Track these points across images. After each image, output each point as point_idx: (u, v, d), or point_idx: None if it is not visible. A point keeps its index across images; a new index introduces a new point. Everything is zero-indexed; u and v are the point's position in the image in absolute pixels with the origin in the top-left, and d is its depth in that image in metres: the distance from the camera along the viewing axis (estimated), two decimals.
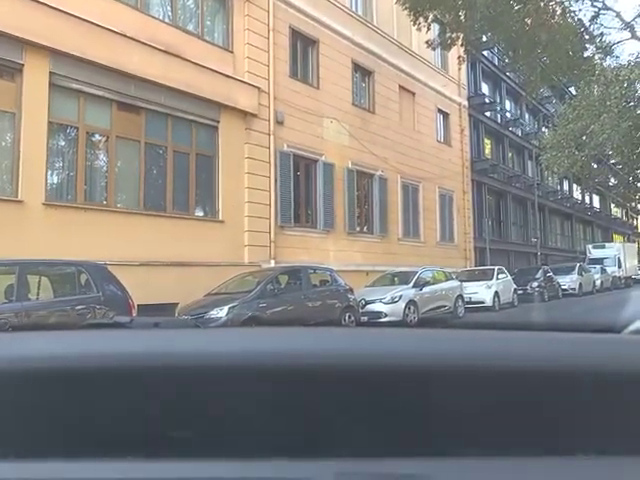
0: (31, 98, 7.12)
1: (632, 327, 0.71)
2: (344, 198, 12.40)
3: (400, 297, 9.09)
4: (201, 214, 9.65)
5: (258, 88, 10.31)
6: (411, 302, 9.32)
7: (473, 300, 11.78)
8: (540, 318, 10.34)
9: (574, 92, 20.56)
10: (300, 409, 0.56)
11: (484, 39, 15.60)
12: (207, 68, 9.32)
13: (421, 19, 11.26)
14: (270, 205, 10.51)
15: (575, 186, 28.38)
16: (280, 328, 0.71)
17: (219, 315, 6.18)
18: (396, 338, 0.63)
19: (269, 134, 10.60)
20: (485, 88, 21.22)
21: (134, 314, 5.06)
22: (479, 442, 0.55)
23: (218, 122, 9.73)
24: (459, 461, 0.53)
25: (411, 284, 9.74)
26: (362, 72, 13.70)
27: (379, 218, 13.49)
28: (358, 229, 12.90)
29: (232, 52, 10.12)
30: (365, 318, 8.47)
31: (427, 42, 12.55)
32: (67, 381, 0.55)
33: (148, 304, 7.15)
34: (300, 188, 11.52)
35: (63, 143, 7.79)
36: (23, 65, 7.09)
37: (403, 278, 10.19)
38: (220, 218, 9.67)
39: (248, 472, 0.52)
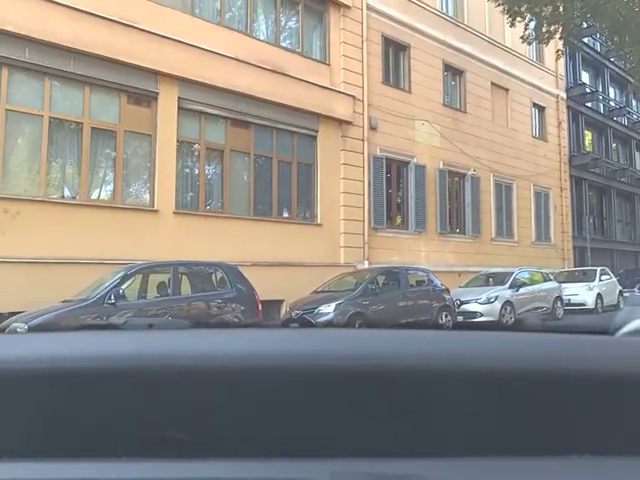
0: (164, 121, 8.28)
1: (626, 329, 0.72)
2: (435, 199, 12.59)
3: (496, 298, 9.19)
4: (302, 218, 10.41)
5: (353, 97, 10.87)
6: (507, 303, 9.37)
7: (573, 302, 11.44)
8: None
9: None
10: (296, 409, 0.56)
11: (584, 25, 14.83)
12: (307, 82, 10.05)
13: (518, 18, 11.10)
14: (364, 208, 11.03)
15: None
16: (276, 330, 0.73)
17: (327, 310, 6.83)
18: (395, 339, 0.63)
19: (363, 140, 11.12)
20: (585, 77, 20.01)
21: (260, 308, 5.83)
22: (474, 443, 0.55)
23: (317, 132, 10.43)
24: (455, 461, 0.53)
25: (507, 285, 9.76)
26: (453, 72, 13.74)
27: (471, 218, 13.47)
28: (450, 229, 13.01)
29: (329, 65, 10.78)
30: (460, 318, 8.70)
31: (522, 38, 12.28)
32: (61, 382, 0.56)
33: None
34: (392, 190, 11.92)
35: (188, 159, 8.92)
36: (158, 93, 8.26)
37: (498, 279, 10.22)
38: (318, 221, 10.38)
39: (243, 472, 0.52)
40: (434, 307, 8.14)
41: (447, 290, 8.63)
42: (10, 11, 6.84)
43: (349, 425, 0.55)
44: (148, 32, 8.00)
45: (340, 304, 6.92)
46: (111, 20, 7.65)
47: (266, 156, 9.86)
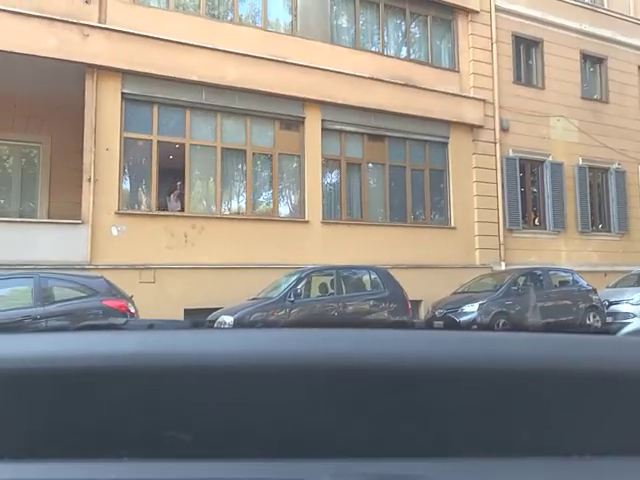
0: (310, 142, 9.36)
1: (627, 329, 0.72)
2: (575, 196, 12.07)
3: None
4: (436, 222, 10.81)
5: (483, 100, 10.99)
6: None
7: None
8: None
9: None
10: (296, 409, 0.56)
11: None
12: (436, 91, 10.45)
13: None
14: (498, 210, 11.05)
15: None
16: (278, 330, 0.74)
17: (471, 309, 7.24)
18: (394, 339, 0.63)
19: (495, 142, 11.16)
20: None
21: (410, 307, 6.46)
22: (475, 443, 0.55)
23: (447, 138, 10.77)
24: (455, 461, 0.53)
25: None
26: (592, 61, 13.01)
27: (617, 214, 12.62)
28: (592, 227, 12.35)
29: (458, 71, 11.05)
30: (610, 319, 8.41)
31: None
32: (62, 382, 0.56)
33: None
34: (527, 191, 11.73)
35: (331, 173, 9.92)
36: (304, 118, 9.37)
37: None
38: (452, 225, 10.69)
39: (243, 472, 0.53)
40: (580, 308, 8.02)
41: (594, 290, 8.41)
42: (194, 63, 8.40)
43: (349, 425, 0.55)
44: (296, 65, 9.13)
45: (483, 304, 7.26)
46: (266, 59, 8.91)
47: (400, 165, 10.47)
